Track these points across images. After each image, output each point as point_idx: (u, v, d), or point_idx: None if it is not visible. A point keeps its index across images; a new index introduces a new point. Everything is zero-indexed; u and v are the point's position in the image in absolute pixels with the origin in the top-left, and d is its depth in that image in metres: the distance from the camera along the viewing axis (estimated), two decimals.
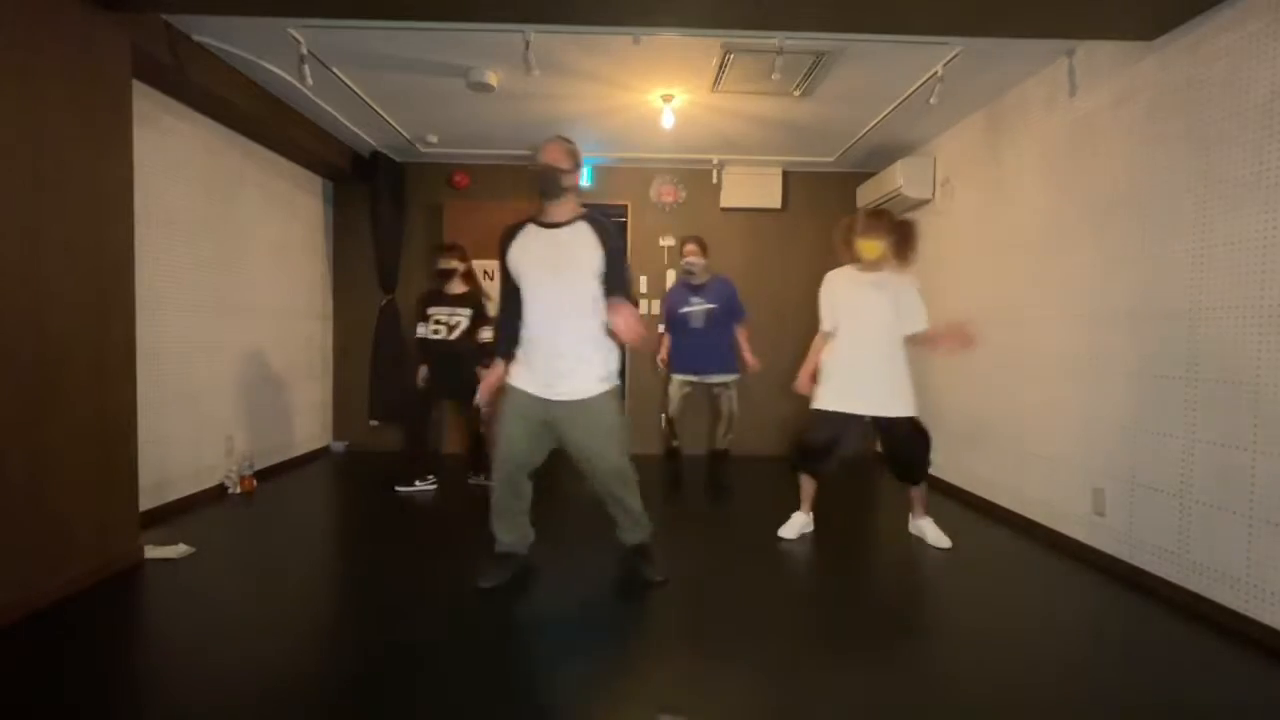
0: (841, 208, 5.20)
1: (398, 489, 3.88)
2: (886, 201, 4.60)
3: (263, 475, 4.07)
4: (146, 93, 3.07)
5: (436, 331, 3.79)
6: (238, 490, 3.78)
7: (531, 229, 2.36)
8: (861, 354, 2.88)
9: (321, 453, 5.02)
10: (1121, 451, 2.69)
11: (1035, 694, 1.78)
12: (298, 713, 1.66)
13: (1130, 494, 2.64)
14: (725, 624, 2.21)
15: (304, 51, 3.03)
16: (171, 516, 3.26)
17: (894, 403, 2.89)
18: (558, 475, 4.04)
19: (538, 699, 1.74)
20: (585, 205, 2.44)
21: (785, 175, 5.16)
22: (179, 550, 2.76)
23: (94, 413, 2.46)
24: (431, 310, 3.84)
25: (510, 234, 2.38)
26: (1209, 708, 1.74)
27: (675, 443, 4.41)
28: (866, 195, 4.89)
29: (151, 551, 2.72)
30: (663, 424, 4.23)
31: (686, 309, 4.06)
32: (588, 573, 2.64)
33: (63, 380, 2.32)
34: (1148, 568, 2.55)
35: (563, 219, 2.34)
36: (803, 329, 5.27)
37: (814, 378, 3.01)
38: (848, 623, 2.24)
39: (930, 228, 4.45)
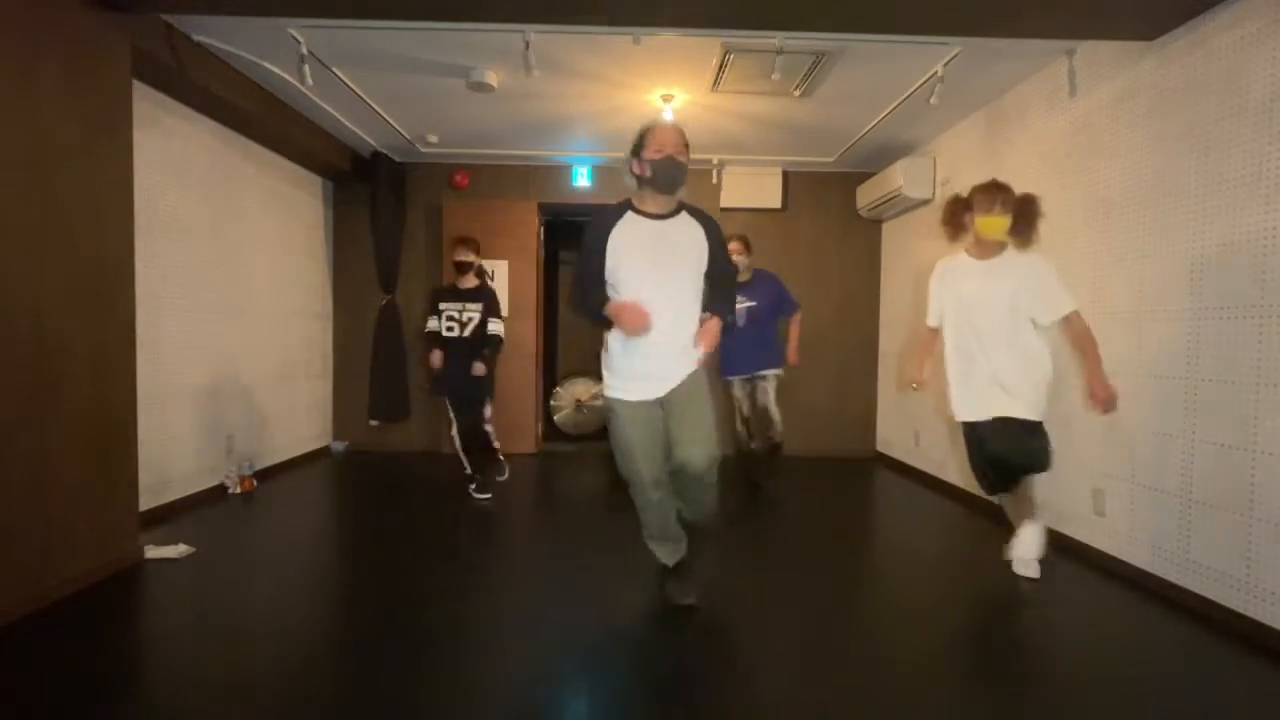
0: (841, 208, 5.22)
1: (480, 495, 3.71)
2: (886, 201, 4.61)
3: (263, 475, 4.06)
4: (146, 93, 3.07)
5: (450, 329, 3.67)
6: (238, 490, 3.77)
7: (632, 217, 2.15)
8: (986, 354, 2.49)
9: (321, 453, 5.02)
10: (1121, 451, 2.69)
11: (1035, 694, 1.78)
12: (297, 713, 1.66)
13: (1130, 494, 2.64)
14: (725, 626, 2.21)
15: (304, 51, 3.03)
16: (171, 516, 3.26)
17: (1012, 403, 2.48)
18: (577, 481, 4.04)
19: (536, 699, 1.74)
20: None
21: (785, 175, 5.16)
22: (179, 550, 2.76)
23: (94, 412, 2.46)
24: (444, 306, 3.71)
25: (612, 219, 2.16)
26: (1209, 708, 1.74)
27: (755, 444, 4.15)
28: (866, 195, 4.89)
29: (151, 551, 2.72)
30: (739, 426, 4.06)
31: None
32: (584, 572, 2.64)
33: (63, 380, 2.32)
34: (1148, 568, 2.54)
35: (667, 210, 2.16)
36: (802, 328, 5.26)
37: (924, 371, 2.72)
38: (846, 622, 2.24)
39: (930, 228, 4.45)
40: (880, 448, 5.27)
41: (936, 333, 2.72)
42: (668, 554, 2.32)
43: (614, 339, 2.18)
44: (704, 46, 3.09)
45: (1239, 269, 2.20)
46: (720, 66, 3.29)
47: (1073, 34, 2.72)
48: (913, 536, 3.09)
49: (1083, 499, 2.90)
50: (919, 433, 4.51)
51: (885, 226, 5.24)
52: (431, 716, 1.64)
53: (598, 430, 5.84)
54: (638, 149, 2.09)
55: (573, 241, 6.47)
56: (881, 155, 4.74)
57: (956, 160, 4.10)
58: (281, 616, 2.25)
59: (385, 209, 4.90)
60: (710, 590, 2.50)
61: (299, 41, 2.99)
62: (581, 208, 5.44)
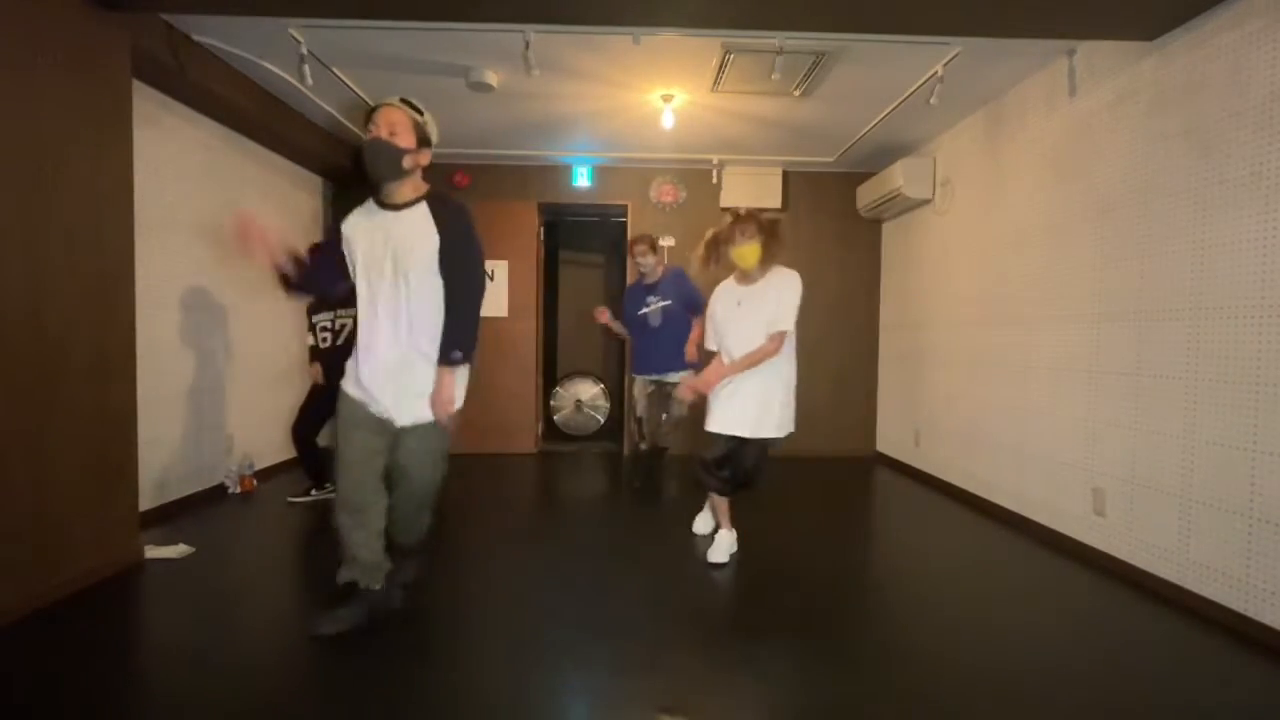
0: (841, 208, 5.22)
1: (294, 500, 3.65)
2: (886, 201, 4.61)
3: (263, 475, 4.07)
4: (146, 93, 3.07)
5: (324, 340, 3.54)
6: (238, 490, 3.78)
7: (368, 203, 1.99)
8: (743, 376, 2.66)
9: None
10: (1121, 451, 2.69)
11: (1035, 694, 1.78)
12: (297, 713, 1.66)
13: (1130, 494, 2.64)
14: (724, 625, 2.21)
15: (304, 51, 3.03)
16: (171, 516, 3.26)
17: (761, 425, 2.67)
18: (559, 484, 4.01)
19: (536, 699, 1.74)
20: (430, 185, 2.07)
21: (785, 175, 5.16)
22: (179, 550, 2.76)
23: (94, 413, 2.45)
24: (315, 318, 3.57)
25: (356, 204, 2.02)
26: (1209, 708, 1.74)
27: (644, 445, 4.13)
28: (866, 195, 4.89)
29: (151, 551, 2.72)
30: (632, 425, 4.04)
31: (644, 310, 3.84)
32: (585, 575, 2.64)
33: (63, 380, 2.32)
34: (1148, 568, 2.55)
35: (403, 199, 1.95)
36: (803, 328, 5.27)
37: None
38: (847, 622, 2.24)
39: (930, 228, 4.46)
40: (880, 447, 5.27)
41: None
42: (344, 572, 2.07)
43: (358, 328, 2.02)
44: (704, 46, 3.09)
45: (1239, 269, 2.20)
46: (720, 66, 3.29)
47: (1073, 34, 2.72)
48: (912, 535, 3.10)
49: (1083, 499, 2.90)
50: (919, 433, 4.51)
51: (885, 226, 5.24)
52: (430, 715, 1.64)
53: (598, 430, 5.84)
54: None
55: (573, 241, 6.48)
56: (881, 155, 4.74)
57: (956, 160, 4.10)
58: (281, 616, 2.25)
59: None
60: (711, 592, 2.50)
61: (299, 41, 2.99)
62: (581, 208, 5.45)
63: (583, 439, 5.81)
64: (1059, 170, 3.12)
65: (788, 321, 2.61)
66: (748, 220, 2.61)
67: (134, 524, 2.69)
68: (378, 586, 2.07)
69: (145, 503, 2.96)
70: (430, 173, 2.09)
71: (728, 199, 5.13)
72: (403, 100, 1.93)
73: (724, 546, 2.78)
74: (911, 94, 3.57)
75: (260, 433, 4.18)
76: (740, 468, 2.72)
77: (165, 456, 3.31)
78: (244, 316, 4.01)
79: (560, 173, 5.21)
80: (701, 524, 3.09)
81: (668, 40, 3.01)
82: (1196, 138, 2.37)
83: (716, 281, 2.84)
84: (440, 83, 3.53)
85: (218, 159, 3.71)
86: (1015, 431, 3.42)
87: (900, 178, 4.33)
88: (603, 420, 5.86)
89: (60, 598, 2.27)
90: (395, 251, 1.89)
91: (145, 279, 2.99)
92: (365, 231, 1.93)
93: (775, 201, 5.15)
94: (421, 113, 1.96)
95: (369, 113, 1.92)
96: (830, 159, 4.92)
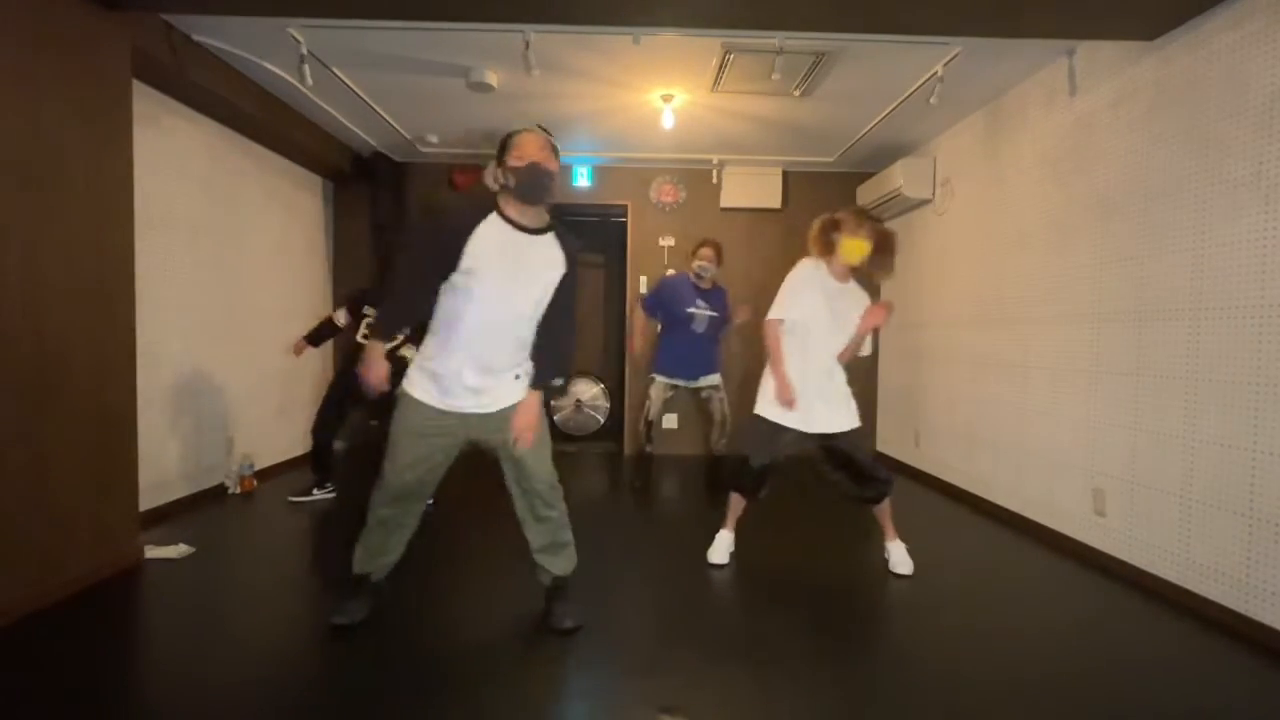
0: (841, 208, 5.20)
1: (296, 499, 3.67)
2: (886, 201, 4.61)
3: (263, 475, 4.07)
4: (146, 93, 3.07)
5: (368, 335, 3.65)
6: (238, 490, 3.78)
7: (497, 222, 1.91)
8: (816, 367, 2.70)
9: None
10: (1121, 451, 2.69)
11: (1035, 694, 1.78)
12: (297, 713, 1.66)
13: (1130, 494, 2.64)
14: (724, 625, 2.21)
15: (304, 51, 3.03)
16: (171, 516, 3.26)
17: (848, 417, 2.76)
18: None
19: (537, 699, 1.74)
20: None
21: (785, 175, 5.16)
22: (179, 550, 2.76)
23: (94, 412, 2.45)
24: (370, 310, 3.60)
25: (472, 220, 1.89)
26: (1209, 708, 1.74)
27: (649, 447, 4.08)
28: (866, 195, 4.89)
29: (151, 551, 2.72)
30: (641, 426, 4.00)
31: (693, 309, 3.81)
32: (586, 575, 2.64)
33: (63, 380, 2.31)
34: (1148, 568, 2.55)
35: (536, 224, 1.96)
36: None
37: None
38: (847, 622, 2.24)
39: (930, 228, 4.45)
40: (880, 448, 5.27)
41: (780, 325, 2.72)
42: (363, 561, 2.12)
43: (433, 339, 1.97)
44: (704, 46, 3.09)
45: (1239, 269, 2.20)
46: (720, 66, 3.29)
47: (1073, 34, 2.72)
48: (912, 536, 3.09)
49: (1083, 499, 2.90)
50: (919, 433, 4.51)
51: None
52: (430, 715, 1.64)
53: (598, 430, 5.84)
54: (501, 156, 1.91)
55: None
56: (881, 155, 4.74)
57: (956, 160, 4.10)
58: (281, 616, 2.25)
59: (385, 209, 4.89)
60: (710, 592, 2.51)
61: (299, 41, 2.99)
62: (581, 208, 5.44)
63: (583, 439, 5.81)
64: (1059, 170, 3.12)
65: (866, 348, 2.79)
66: (868, 218, 2.59)
67: (134, 524, 2.69)
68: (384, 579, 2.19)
69: (145, 503, 2.95)
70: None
71: (728, 199, 5.14)
72: (541, 127, 1.98)
73: (724, 547, 2.78)
74: (911, 94, 3.57)
75: (260, 433, 4.18)
76: (859, 457, 2.74)
77: (165, 456, 3.31)
78: (244, 316, 4.01)
79: (560, 173, 5.20)
80: (717, 553, 2.78)
81: (668, 40, 3.01)
82: (1196, 138, 2.37)
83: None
84: (440, 83, 3.53)
85: (218, 159, 3.71)
86: (1015, 431, 3.42)
87: (900, 178, 4.33)
88: (603, 420, 5.86)
89: (60, 598, 2.27)
90: (524, 274, 1.92)
91: (145, 279, 2.98)
92: (499, 249, 1.89)
93: (775, 202, 5.16)
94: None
95: (515, 135, 1.92)
96: (830, 159, 4.92)
